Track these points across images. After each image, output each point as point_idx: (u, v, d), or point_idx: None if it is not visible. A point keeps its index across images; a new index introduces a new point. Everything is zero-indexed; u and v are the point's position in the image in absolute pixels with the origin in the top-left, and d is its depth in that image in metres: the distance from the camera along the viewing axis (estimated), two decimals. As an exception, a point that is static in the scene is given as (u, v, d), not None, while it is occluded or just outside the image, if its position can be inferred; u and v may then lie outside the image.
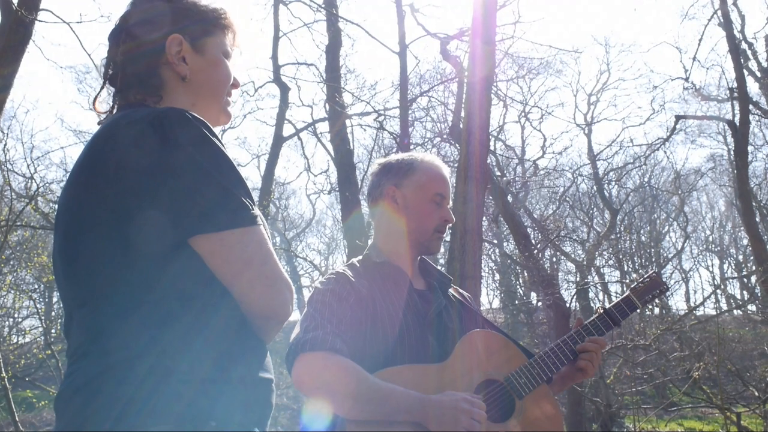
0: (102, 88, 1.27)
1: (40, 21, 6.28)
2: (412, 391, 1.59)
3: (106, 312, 1.05)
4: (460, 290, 2.02)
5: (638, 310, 2.06)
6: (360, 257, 1.92)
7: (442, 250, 1.88)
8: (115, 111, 1.25)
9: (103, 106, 1.27)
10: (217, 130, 1.19)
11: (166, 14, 1.25)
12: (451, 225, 1.92)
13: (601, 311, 1.97)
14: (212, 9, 1.30)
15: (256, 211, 1.12)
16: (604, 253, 16.39)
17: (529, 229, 12.86)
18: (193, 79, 1.25)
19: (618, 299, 2.02)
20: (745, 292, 20.90)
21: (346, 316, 1.68)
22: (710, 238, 24.99)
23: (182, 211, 1.05)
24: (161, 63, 1.24)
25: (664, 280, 2.14)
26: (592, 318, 1.96)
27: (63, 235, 1.13)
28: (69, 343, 1.11)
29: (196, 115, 1.12)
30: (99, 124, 1.22)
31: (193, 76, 1.25)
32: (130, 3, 1.29)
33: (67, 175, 1.18)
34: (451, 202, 1.93)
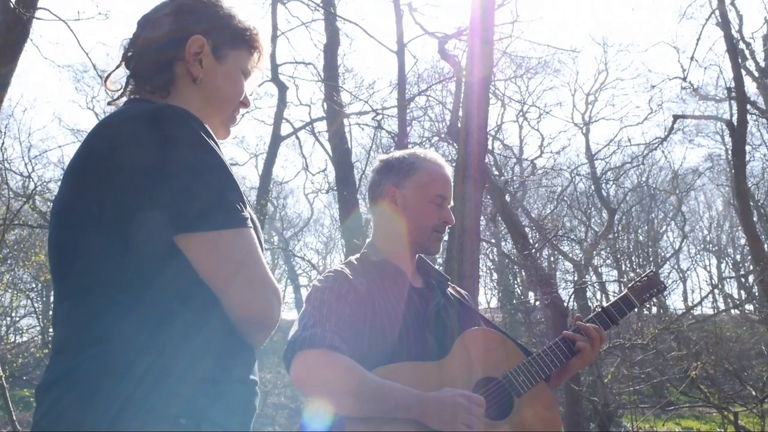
0: (117, 67, 1.28)
1: (37, 19, 6.27)
2: (410, 388, 1.59)
3: (103, 309, 1.04)
4: (458, 289, 2.01)
5: (636, 309, 2.06)
6: (357, 255, 1.90)
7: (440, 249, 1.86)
8: (124, 98, 1.25)
9: (115, 85, 1.28)
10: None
11: (198, 14, 1.25)
12: (450, 226, 1.91)
13: (599, 309, 1.98)
14: (245, 26, 1.30)
15: (247, 213, 1.12)
16: (602, 252, 16.41)
17: (527, 229, 12.88)
18: (204, 84, 1.25)
19: (616, 298, 2.03)
20: (742, 292, 20.89)
21: (344, 314, 1.67)
22: (708, 238, 24.99)
23: (175, 209, 1.05)
24: (177, 59, 1.23)
25: (662, 279, 2.14)
26: (590, 316, 1.97)
27: (58, 229, 1.12)
28: (56, 334, 1.10)
29: (193, 114, 1.11)
30: (109, 104, 1.24)
31: (205, 81, 1.25)
32: None
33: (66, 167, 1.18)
34: (452, 202, 1.92)
